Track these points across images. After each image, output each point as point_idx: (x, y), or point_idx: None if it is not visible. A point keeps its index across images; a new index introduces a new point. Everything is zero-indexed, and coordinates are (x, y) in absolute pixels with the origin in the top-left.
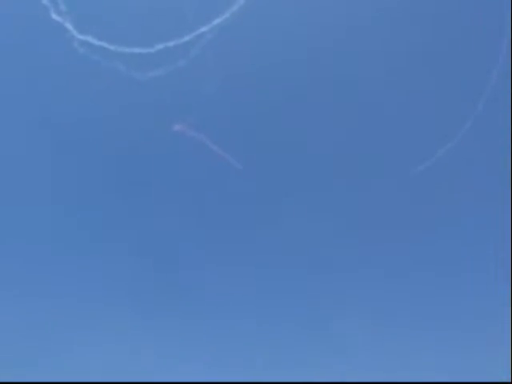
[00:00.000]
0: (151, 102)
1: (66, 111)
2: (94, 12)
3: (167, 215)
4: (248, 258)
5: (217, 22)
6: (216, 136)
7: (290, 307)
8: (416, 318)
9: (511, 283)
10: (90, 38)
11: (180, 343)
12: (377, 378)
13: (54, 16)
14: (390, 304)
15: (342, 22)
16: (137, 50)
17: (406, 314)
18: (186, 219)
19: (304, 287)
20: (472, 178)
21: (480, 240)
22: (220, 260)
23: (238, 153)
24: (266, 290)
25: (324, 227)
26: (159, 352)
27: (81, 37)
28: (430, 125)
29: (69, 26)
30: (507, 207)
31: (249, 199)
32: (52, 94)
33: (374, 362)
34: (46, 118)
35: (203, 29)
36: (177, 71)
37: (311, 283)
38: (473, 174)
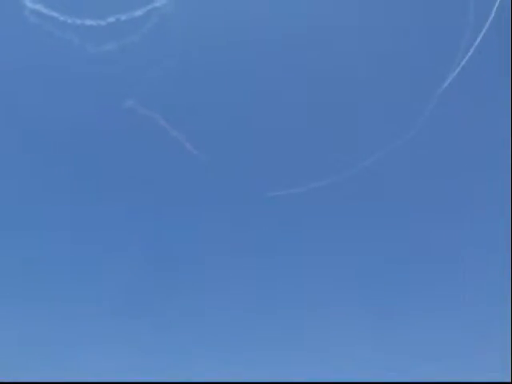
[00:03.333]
0: (102, 77)
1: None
2: None
3: (113, 197)
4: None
5: None
6: (170, 116)
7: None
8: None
9: (511, 283)
10: (40, 7)
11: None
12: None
13: None
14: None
15: None
16: (88, 23)
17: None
18: (130, 204)
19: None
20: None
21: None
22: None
23: (192, 133)
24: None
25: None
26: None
27: (31, 5)
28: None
29: None
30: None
31: (204, 186)
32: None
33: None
34: None
35: (157, 3)
36: (129, 46)
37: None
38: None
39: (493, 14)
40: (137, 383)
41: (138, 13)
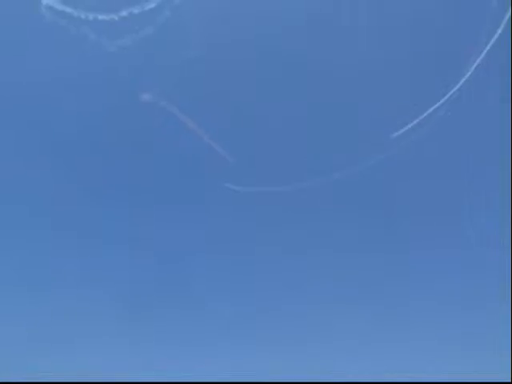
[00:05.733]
0: (118, 71)
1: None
2: None
3: (131, 194)
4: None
5: None
6: (188, 108)
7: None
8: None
9: (511, 283)
10: (53, 3)
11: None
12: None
13: None
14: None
15: None
16: (101, 17)
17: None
18: (151, 199)
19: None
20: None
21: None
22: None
23: (209, 124)
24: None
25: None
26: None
27: (44, 1)
28: None
29: None
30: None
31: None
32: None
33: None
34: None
35: None
36: (144, 39)
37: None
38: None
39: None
40: (137, 383)
41: (150, 5)
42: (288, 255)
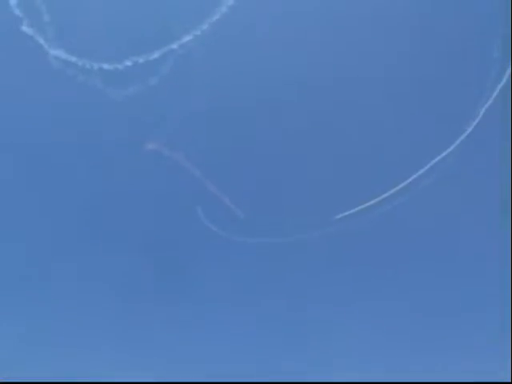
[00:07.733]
0: (122, 121)
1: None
2: (62, 25)
3: (136, 251)
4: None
5: (187, 38)
6: (194, 159)
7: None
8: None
9: (511, 283)
10: (61, 53)
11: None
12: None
13: (25, 28)
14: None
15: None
16: (105, 67)
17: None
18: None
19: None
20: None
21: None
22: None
23: (214, 174)
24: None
25: None
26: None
27: (52, 51)
28: None
29: (40, 39)
30: None
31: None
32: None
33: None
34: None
35: (173, 45)
36: (148, 89)
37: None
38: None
39: None
40: (136, 383)
41: (155, 55)
42: (291, 305)
